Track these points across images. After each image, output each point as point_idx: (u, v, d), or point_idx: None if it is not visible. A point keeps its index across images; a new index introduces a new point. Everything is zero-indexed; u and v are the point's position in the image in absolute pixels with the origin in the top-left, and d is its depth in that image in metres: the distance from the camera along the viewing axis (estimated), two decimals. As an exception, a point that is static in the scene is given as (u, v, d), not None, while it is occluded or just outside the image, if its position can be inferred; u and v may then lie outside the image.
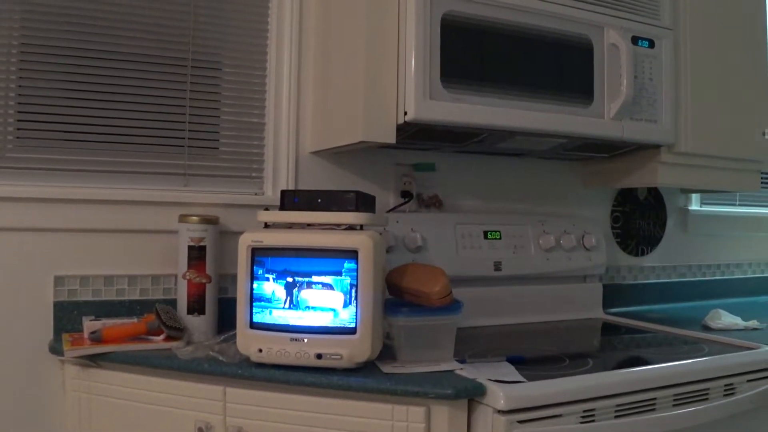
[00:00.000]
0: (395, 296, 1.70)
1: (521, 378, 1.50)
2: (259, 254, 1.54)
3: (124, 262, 1.90)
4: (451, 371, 1.54)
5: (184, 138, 2.00)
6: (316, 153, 2.11)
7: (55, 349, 1.71)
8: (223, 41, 2.04)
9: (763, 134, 2.39)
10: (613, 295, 2.59)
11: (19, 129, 1.83)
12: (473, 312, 2.10)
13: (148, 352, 1.63)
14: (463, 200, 2.34)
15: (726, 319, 2.23)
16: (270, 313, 1.53)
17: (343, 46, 1.89)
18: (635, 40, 2.05)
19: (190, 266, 1.80)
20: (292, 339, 1.51)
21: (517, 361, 1.64)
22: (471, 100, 1.80)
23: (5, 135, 1.82)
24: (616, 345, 1.99)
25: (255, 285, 1.54)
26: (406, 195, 2.22)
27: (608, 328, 2.24)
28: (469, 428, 1.48)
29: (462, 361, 1.61)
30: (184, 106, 1.99)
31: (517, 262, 2.24)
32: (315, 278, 1.52)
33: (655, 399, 1.60)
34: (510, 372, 1.55)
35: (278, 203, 1.67)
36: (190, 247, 1.80)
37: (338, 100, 1.92)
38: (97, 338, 1.65)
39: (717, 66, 2.28)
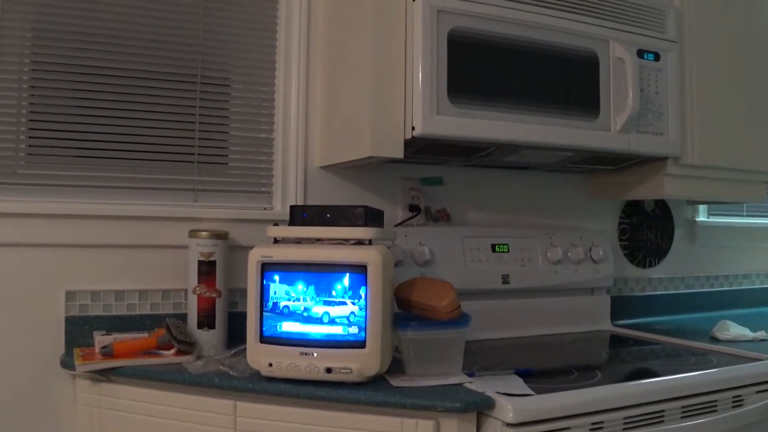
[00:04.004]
0: (404, 310, 1.71)
1: (530, 391, 1.51)
2: (268, 269, 1.55)
3: (134, 277, 1.92)
4: (460, 384, 1.55)
5: (193, 154, 2.01)
6: (324, 168, 2.13)
7: (67, 364, 1.72)
8: (231, 57, 2.06)
9: (770, 145, 2.40)
10: (620, 307, 2.59)
11: (30, 146, 1.85)
12: (481, 325, 2.10)
13: (158, 367, 1.64)
14: (470, 214, 2.35)
15: (734, 330, 2.23)
16: (280, 327, 1.54)
17: (351, 62, 1.91)
18: (641, 53, 2.06)
19: (200, 281, 1.82)
20: (301, 353, 1.51)
21: (525, 374, 1.65)
22: (478, 115, 1.82)
23: (17, 152, 1.84)
24: (624, 357, 1.99)
25: (265, 299, 1.55)
26: (414, 209, 2.23)
27: (616, 340, 2.25)
28: (478, 441, 1.48)
29: (471, 375, 1.62)
30: (194, 122, 2.01)
31: (524, 275, 2.25)
32: (324, 293, 1.53)
33: (663, 411, 1.60)
34: (518, 385, 1.55)
35: (287, 218, 1.68)
36: (200, 262, 1.82)
37: (346, 115, 1.93)
38: (108, 353, 1.67)
39: (722, 78, 2.28)
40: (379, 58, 1.78)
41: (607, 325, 2.44)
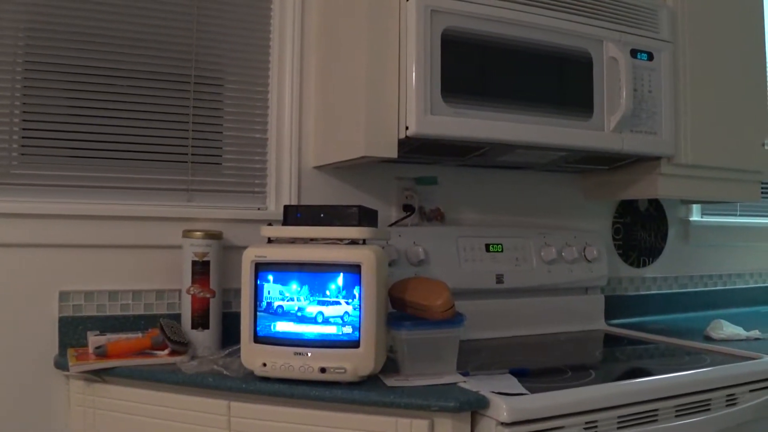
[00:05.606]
0: (398, 310, 1.71)
1: (524, 390, 1.51)
2: (262, 269, 1.55)
3: (128, 277, 1.92)
4: (455, 384, 1.55)
5: (187, 154, 2.01)
6: (318, 168, 2.13)
7: (60, 364, 1.72)
8: (225, 57, 2.06)
9: (763, 145, 2.40)
10: (614, 306, 2.59)
11: (23, 146, 1.85)
12: (476, 325, 2.10)
13: (152, 367, 1.64)
14: (464, 213, 2.36)
15: (728, 329, 2.23)
16: (274, 327, 1.54)
17: (345, 62, 1.91)
18: (634, 53, 2.07)
19: (194, 281, 1.81)
20: (296, 353, 1.51)
21: (519, 374, 1.65)
22: (472, 114, 1.82)
23: (10, 152, 1.84)
24: (618, 356, 1.99)
25: (258, 299, 1.55)
26: (408, 209, 2.23)
27: (610, 340, 2.25)
28: (472, 441, 1.49)
29: (465, 374, 1.62)
30: (187, 122, 2.01)
31: (518, 275, 2.25)
32: (318, 293, 1.53)
33: (657, 410, 1.61)
34: (513, 384, 1.55)
35: (281, 218, 1.68)
36: (194, 262, 1.82)
37: (340, 115, 1.93)
38: (101, 353, 1.66)
39: (716, 77, 2.29)
40: (373, 57, 1.78)
41: (601, 325, 2.45)
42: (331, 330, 1.52)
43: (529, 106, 1.90)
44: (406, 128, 1.77)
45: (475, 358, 1.88)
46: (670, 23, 2.16)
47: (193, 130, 2.02)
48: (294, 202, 2.09)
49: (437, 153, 2.02)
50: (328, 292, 1.53)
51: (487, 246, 2.23)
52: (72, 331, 1.84)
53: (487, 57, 1.85)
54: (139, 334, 1.77)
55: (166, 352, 1.72)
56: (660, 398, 1.62)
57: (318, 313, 1.53)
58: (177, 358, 1.69)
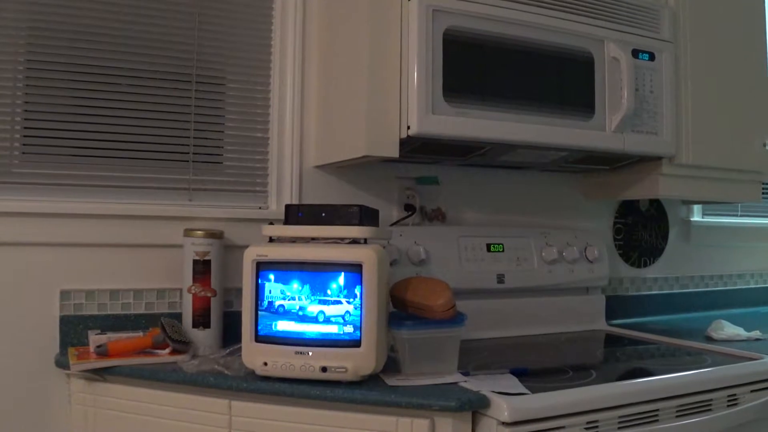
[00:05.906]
0: (399, 309, 1.71)
1: (525, 390, 1.51)
2: (263, 268, 1.55)
3: (129, 276, 1.92)
4: (455, 383, 1.55)
5: (188, 153, 2.01)
6: (319, 167, 2.13)
7: (61, 363, 1.72)
8: (227, 57, 2.06)
9: (764, 145, 2.40)
10: (615, 306, 2.59)
11: (25, 145, 1.85)
12: (477, 324, 2.10)
13: (153, 366, 1.64)
14: (466, 213, 2.35)
15: (728, 329, 2.23)
16: (275, 326, 1.54)
17: (346, 61, 1.91)
18: (635, 53, 2.06)
19: (195, 280, 1.81)
20: (297, 352, 1.51)
21: (520, 373, 1.65)
22: (473, 114, 1.82)
23: (11, 151, 1.84)
24: (619, 356, 1.99)
25: (260, 298, 1.55)
26: (410, 208, 2.23)
27: (611, 340, 2.25)
28: (473, 440, 1.48)
29: (466, 374, 1.62)
30: (189, 121, 2.01)
31: (520, 275, 2.25)
32: (319, 292, 1.53)
33: (658, 410, 1.61)
34: (513, 384, 1.55)
35: (282, 217, 1.68)
36: (195, 261, 1.81)
37: (341, 114, 1.93)
38: (102, 352, 1.66)
39: (717, 78, 2.29)
40: (375, 57, 1.78)
41: (602, 325, 2.45)
42: (332, 329, 1.52)
43: (531, 106, 1.90)
44: (408, 128, 1.77)
45: (476, 357, 1.88)
46: (671, 23, 2.16)
47: (194, 129, 2.02)
48: (295, 202, 2.09)
49: (438, 152, 2.02)
50: (329, 292, 1.53)
51: (489, 246, 2.23)
52: (73, 330, 1.84)
53: (488, 56, 1.85)
54: (140, 333, 1.77)
55: (167, 351, 1.72)
56: (661, 398, 1.61)
57: (319, 313, 1.53)
58: (178, 357, 1.69)
